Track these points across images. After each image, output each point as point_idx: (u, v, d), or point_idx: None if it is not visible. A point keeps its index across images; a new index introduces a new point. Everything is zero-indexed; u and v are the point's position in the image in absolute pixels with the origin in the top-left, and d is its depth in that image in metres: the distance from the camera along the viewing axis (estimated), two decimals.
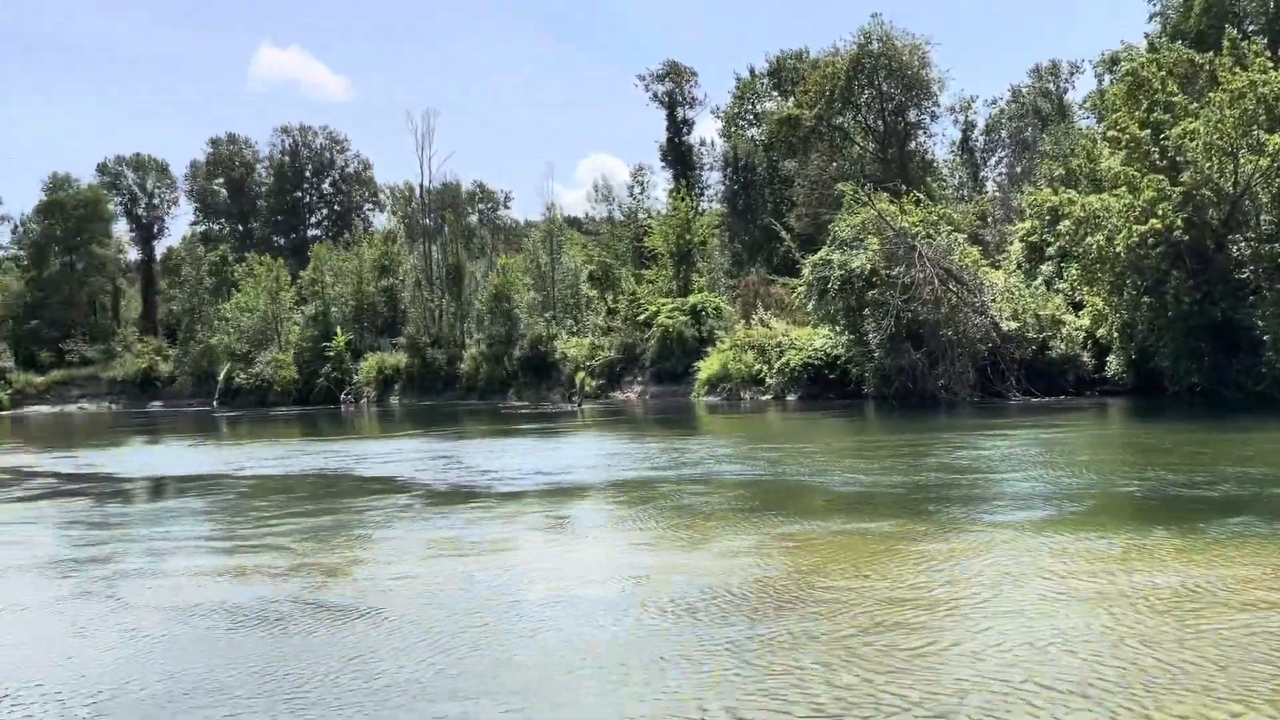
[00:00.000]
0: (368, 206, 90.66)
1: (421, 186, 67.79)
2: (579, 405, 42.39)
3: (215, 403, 61.47)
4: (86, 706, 5.85)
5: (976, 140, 59.02)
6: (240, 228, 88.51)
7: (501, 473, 17.70)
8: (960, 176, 58.92)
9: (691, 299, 47.60)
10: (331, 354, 58.73)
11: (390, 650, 6.70)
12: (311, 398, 57.63)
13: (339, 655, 6.64)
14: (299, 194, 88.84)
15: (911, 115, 53.95)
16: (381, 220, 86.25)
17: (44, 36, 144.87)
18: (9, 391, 67.87)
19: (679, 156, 67.40)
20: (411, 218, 72.90)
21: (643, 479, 16.00)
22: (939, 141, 73.34)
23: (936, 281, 31.55)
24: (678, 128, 67.82)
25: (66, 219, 76.56)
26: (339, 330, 59.88)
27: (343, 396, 57.07)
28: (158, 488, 18.93)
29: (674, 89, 67.24)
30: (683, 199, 53.52)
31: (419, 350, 56.88)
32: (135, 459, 25.50)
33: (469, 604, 7.90)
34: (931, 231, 33.02)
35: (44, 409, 66.74)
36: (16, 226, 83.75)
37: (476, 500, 14.10)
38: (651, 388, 46.48)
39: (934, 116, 54.75)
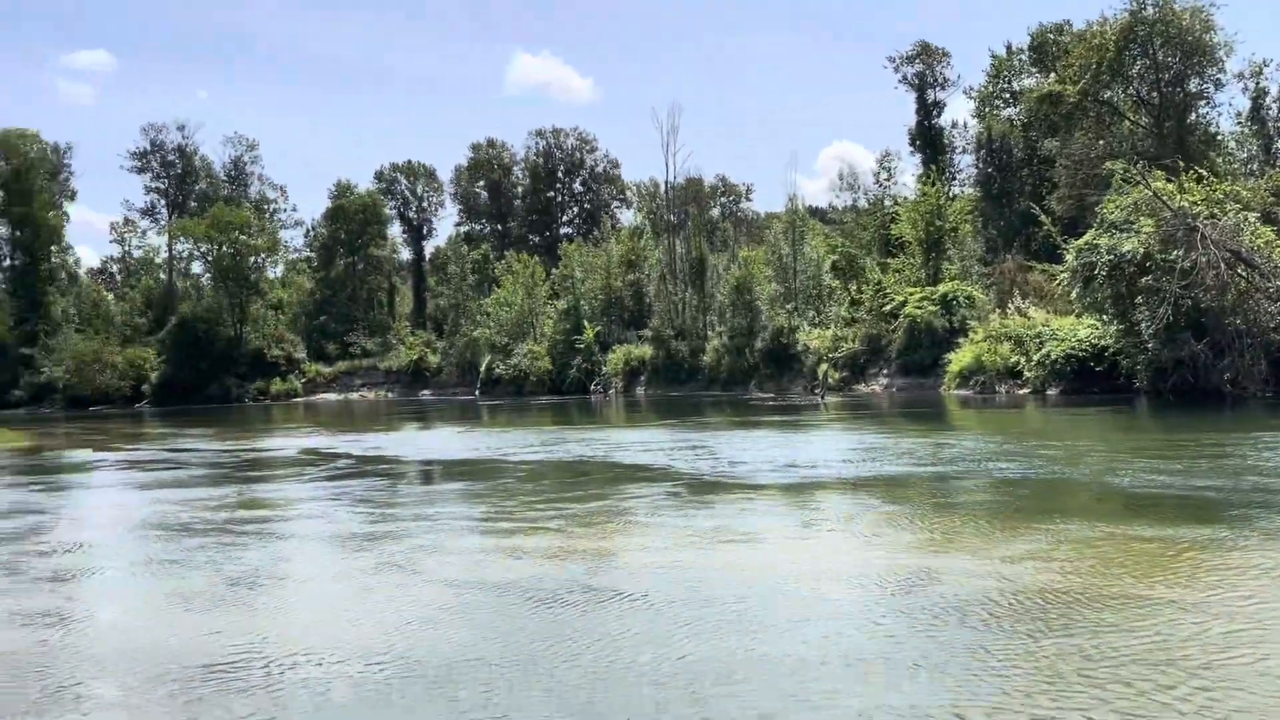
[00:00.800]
0: (615, 204, 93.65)
1: (666, 183, 69.26)
2: (823, 397, 41.92)
3: (477, 392, 65.61)
4: (380, 671, 6.45)
5: (1269, 109, 53.12)
6: (499, 227, 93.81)
7: (755, 464, 17.83)
8: (1250, 149, 53.25)
9: (942, 288, 45.88)
10: (582, 346, 61.21)
11: (651, 635, 6.94)
12: (564, 388, 60.31)
13: (604, 635, 6.96)
14: (551, 194, 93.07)
15: (1192, 85, 49.21)
16: (628, 217, 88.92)
17: (325, 60, 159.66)
18: (303, 380, 75.39)
19: (928, 140, 65.14)
20: (656, 213, 74.65)
21: (903, 475, 15.63)
22: (1224, 112, 66.62)
23: (1222, 265, 28.71)
24: (928, 110, 65.56)
25: (349, 223, 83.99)
26: (588, 323, 62.28)
27: (593, 387, 59.35)
28: (435, 470, 20.48)
29: (924, 70, 65.06)
30: (933, 184, 51.67)
31: (663, 342, 58.19)
32: (414, 443, 27.69)
33: (727, 594, 8.03)
34: (1216, 211, 30.09)
35: (331, 396, 73.68)
36: (309, 230, 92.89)
37: (733, 491, 14.29)
38: (897, 380, 45.24)
39: (1219, 85, 49.73)
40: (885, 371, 46.57)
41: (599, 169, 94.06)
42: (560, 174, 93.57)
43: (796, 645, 6.58)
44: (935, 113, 65.57)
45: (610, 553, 10.16)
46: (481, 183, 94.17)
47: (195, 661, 6.67)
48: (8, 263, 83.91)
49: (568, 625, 7.33)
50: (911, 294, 46.11)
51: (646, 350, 59.08)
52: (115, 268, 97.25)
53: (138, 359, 74.97)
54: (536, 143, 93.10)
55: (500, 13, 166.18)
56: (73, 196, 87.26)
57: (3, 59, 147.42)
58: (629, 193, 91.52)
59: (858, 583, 8.36)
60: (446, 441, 27.80)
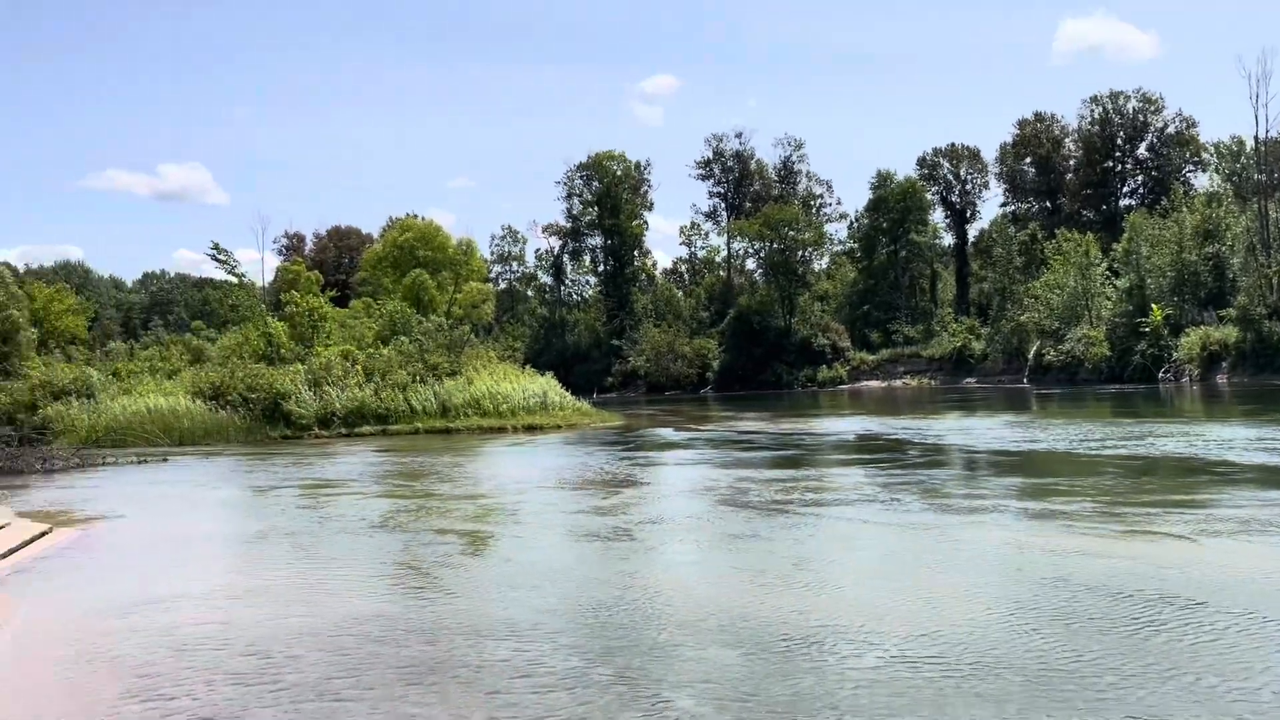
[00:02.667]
0: (1188, 169, 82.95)
1: (1257, 139, 59.71)
2: None
3: (1025, 379, 62.48)
4: (946, 660, 6.52)
5: None
6: (1048, 205, 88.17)
7: None
8: None
9: None
10: (1147, 329, 55.31)
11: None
12: (1125, 375, 55.03)
13: (1207, 652, 6.35)
14: (1109, 164, 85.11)
15: None
16: (1203, 181, 78.24)
17: (862, 54, 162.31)
18: (847, 368, 77.88)
19: None
20: (1241, 175, 64.71)
21: None
22: None
23: None
24: None
25: (890, 211, 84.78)
26: (1155, 304, 56.10)
27: (1161, 374, 53.37)
28: (994, 460, 19.98)
29: None
30: None
31: (1252, 323, 50.33)
32: (966, 431, 27.24)
33: None
34: None
35: (874, 383, 75.14)
36: (852, 222, 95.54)
37: None
38: None
39: None
40: None
41: (1168, 131, 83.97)
42: (1119, 141, 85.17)
43: None
44: None
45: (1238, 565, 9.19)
46: (1029, 159, 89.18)
47: (774, 634, 7.35)
48: (601, 268, 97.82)
49: (1173, 638, 6.82)
50: None
51: (1230, 332, 51.60)
52: (684, 267, 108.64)
53: (703, 349, 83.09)
54: (1091, 110, 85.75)
55: None
56: (651, 207, 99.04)
57: (589, 91, 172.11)
58: (1205, 154, 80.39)
59: None
60: (999, 430, 26.94)
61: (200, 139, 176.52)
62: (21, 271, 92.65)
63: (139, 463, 25.50)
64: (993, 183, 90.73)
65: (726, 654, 6.74)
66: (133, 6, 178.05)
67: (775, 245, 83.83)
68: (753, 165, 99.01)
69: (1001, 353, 68.70)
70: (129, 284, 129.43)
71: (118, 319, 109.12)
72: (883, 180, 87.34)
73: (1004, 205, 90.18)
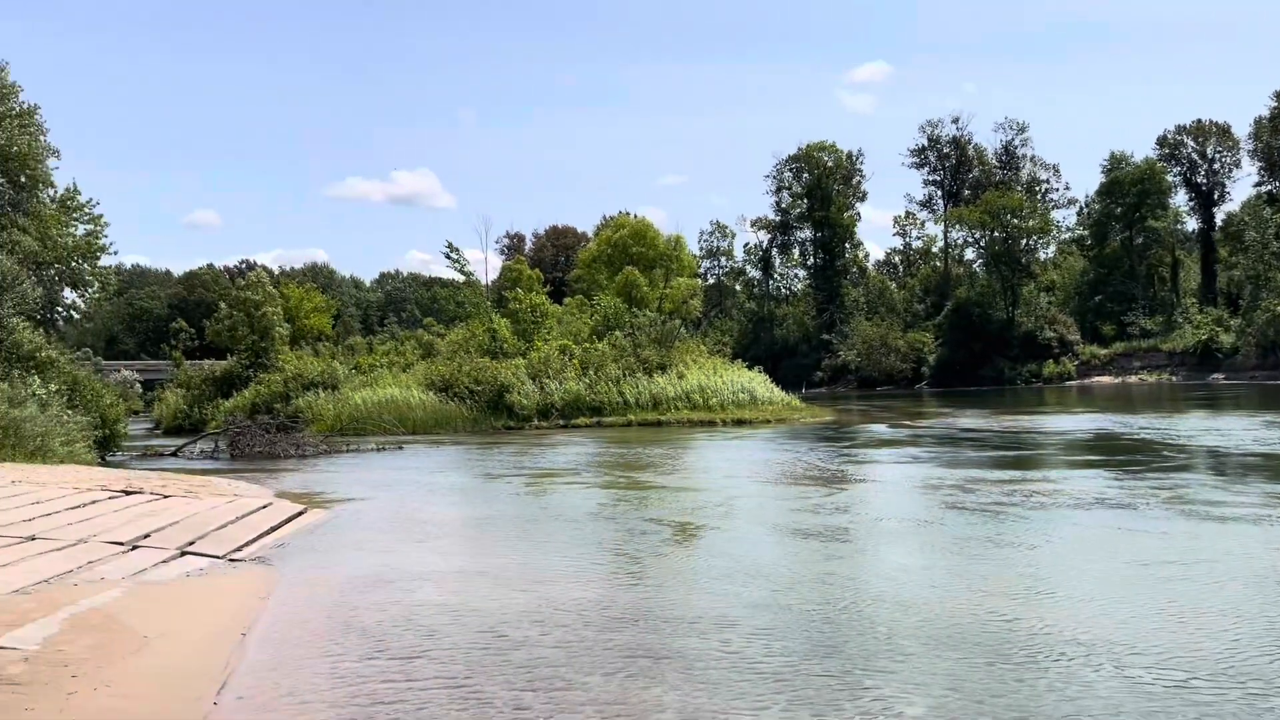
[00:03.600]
0: None
1: None
2: None
3: None
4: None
5: None
6: None
7: None
8: None
9: None
10: None
11: None
12: None
13: None
14: None
15: None
16: None
17: (1094, 27, 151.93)
18: (1076, 363, 73.32)
19: None
20: None
21: None
22: None
23: None
24: None
25: (1125, 196, 79.11)
26: None
27: None
28: (1254, 464, 18.34)
29: None
30: None
31: None
32: (1227, 434, 25.08)
33: None
34: None
35: (1105, 379, 70.37)
36: (1082, 208, 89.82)
37: None
38: None
39: None
40: None
41: None
42: None
43: None
44: None
45: None
46: None
47: (1006, 643, 7.04)
48: (811, 261, 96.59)
49: None
50: None
51: None
52: (897, 259, 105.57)
53: (917, 342, 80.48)
54: None
55: None
56: (863, 198, 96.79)
57: (797, 82, 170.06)
58: None
59: None
60: (1259, 431, 24.60)
61: (428, 146, 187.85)
62: (276, 273, 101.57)
63: (378, 450, 27.43)
64: (1245, 161, 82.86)
65: (952, 661, 6.52)
66: (362, 26, 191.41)
67: (997, 234, 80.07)
68: (971, 151, 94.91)
69: (1255, 346, 62.77)
70: (367, 283, 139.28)
71: (357, 316, 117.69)
72: (1116, 162, 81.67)
73: (1258, 185, 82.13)
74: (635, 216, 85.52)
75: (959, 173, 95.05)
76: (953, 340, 77.69)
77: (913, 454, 22.57)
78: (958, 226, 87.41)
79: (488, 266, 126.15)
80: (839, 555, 10.38)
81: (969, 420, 33.65)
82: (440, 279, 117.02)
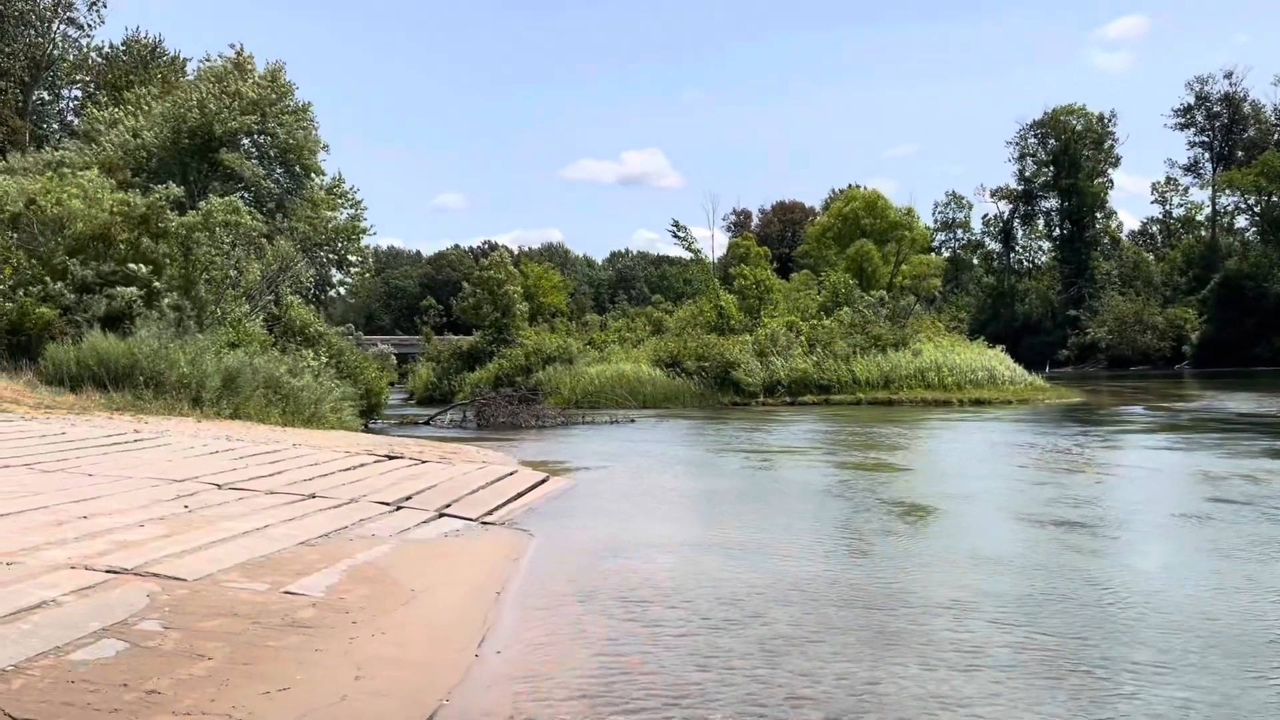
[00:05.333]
0: None
1: None
2: None
3: None
4: None
5: None
6: None
7: None
8: None
9: None
10: None
11: None
12: None
13: None
14: None
15: None
16: None
17: None
18: None
19: None
20: None
21: None
22: None
23: None
24: None
25: None
26: None
27: None
28: None
29: None
30: None
31: None
32: None
33: None
34: None
35: None
36: None
37: None
38: None
39: None
40: None
41: None
42: None
43: None
44: None
45: None
46: None
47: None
48: (1057, 232, 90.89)
49: None
50: None
51: None
52: (1155, 228, 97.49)
53: (1178, 318, 74.15)
54: None
55: None
56: (1116, 163, 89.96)
57: (1042, 41, 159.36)
58: None
59: None
60: None
61: (656, 125, 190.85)
62: (516, 253, 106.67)
63: (611, 423, 28.37)
64: None
65: (1202, 665, 6.03)
66: (593, 6, 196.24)
67: (1275, 198, 72.20)
68: (1246, 108, 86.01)
69: None
70: (599, 262, 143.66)
71: (590, 294, 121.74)
72: None
73: None
74: (865, 189, 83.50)
75: (1231, 133, 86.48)
76: (1220, 316, 70.93)
77: (1175, 440, 20.88)
78: (1228, 191, 79.63)
79: (714, 244, 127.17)
80: (1086, 548, 9.79)
81: (1241, 404, 30.68)
82: (668, 257, 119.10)
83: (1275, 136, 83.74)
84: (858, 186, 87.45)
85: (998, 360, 38.55)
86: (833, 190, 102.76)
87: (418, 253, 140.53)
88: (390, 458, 15.76)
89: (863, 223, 75.05)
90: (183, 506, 9.99)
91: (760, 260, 54.77)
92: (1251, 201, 76.02)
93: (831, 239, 77.05)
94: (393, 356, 74.23)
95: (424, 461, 15.62)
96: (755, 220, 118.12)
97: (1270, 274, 70.97)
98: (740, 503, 13.01)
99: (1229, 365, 65.35)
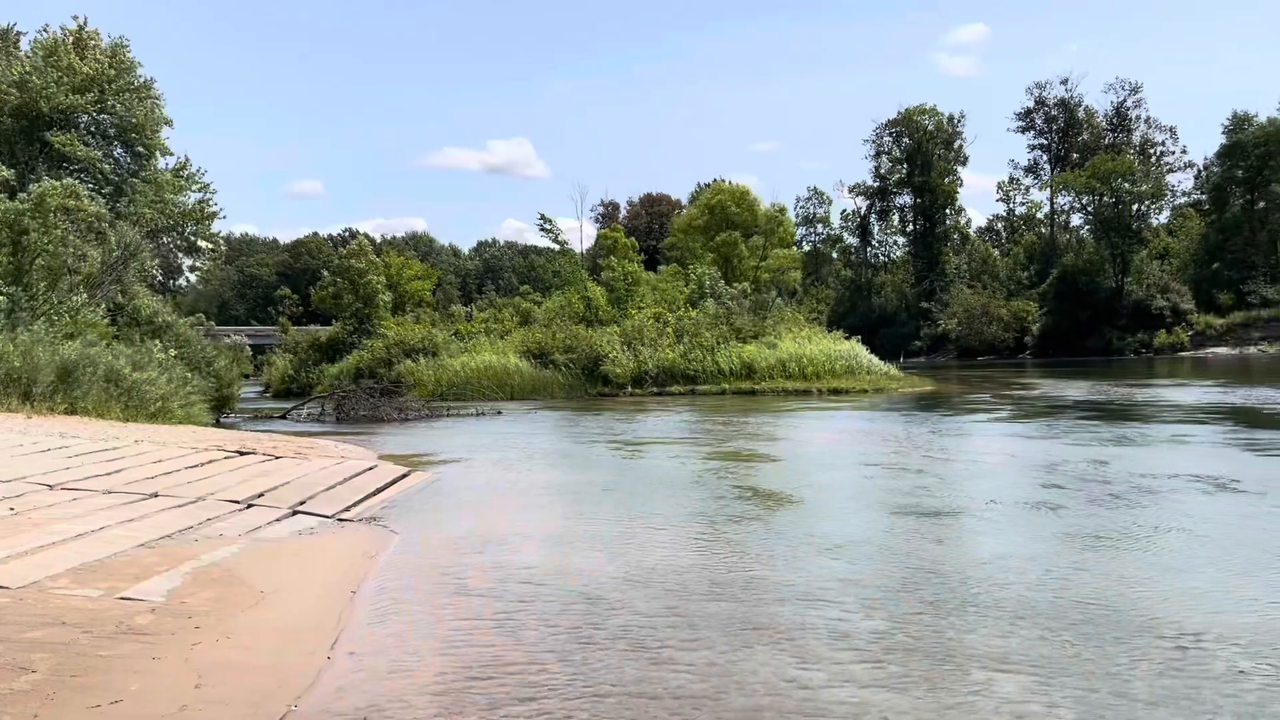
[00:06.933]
0: None
1: None
2: None
3: None
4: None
5: None
6: None
7: None
8: None
9: None
10: None
11: None
12: None
13: None
14: None
15: None
16: None
17: None
18: (1190, 333, 70.32)
19: None
20: None
21: None
22: None
23: None
24: None
25: (1247, 159, 75.18)
26: None
27: None
28: None
29: None
30: None
31: None
32: None
33: None
34: None
35: (1222, 350, 67.31)
36: (1199, 172, 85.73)
37: None
38: None
39: None
40: None
41: None
42: None
43: None
44: None
45: None
46: None
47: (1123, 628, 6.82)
48: (911, 227, 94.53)
49: None
50: None
51: None
52: (1000, 225, 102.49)
53: (1021, 311, 78.24)
54: None
55: None
56: (964, 162, 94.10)
57: (894, 45, 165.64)
58: None
59: None
60: None
61: (523, 114, 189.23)
62: (378, 241, 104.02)
63: (477, 415, 27.99)
64: None
65: (1046, 639, 6.35)
66: None
67: (1106, 199, 77.05)
68: (1080, 113, 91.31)
69: None
70: (465, 252, 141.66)
71: (456, 284, 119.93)
72: (1239, 123, 77.60)
73: None
74: (731, 183, 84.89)
75: (1067, 136, 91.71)
76: (1058, 309, 75.28)
77: (1016, 426, 22.00)
78: (1064, 192, 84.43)
79: (582, 234, 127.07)
80: (939, 535, 10.20)
81: (1077, 392, 32.61)
82: (536, 247, 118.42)
83: (1106, 140, 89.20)
84: (724, 181, 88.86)
85: (855, 351, 39.82)
86: (699, 184, 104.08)
87: (274, 240, 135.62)
88: (241, 453, 15.12)
89: (730, 212, 76.32)
90: (8, 509, 9.32)
91: (628, 252, 55.01)
92: (1085, 201, 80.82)
93: (698, 231, 78.10)
94: (247, 348, 71.20)
95: (278, 457, 15.05)
96: (623, 212, 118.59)
97: (1102, 270, 75.68)
98: (606, 494, 13.01)
99: (1066, 355, 69.42)
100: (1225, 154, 77.64)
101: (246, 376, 56.29)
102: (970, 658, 5.96)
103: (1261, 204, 75.55)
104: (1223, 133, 78.54)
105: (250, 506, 10.81)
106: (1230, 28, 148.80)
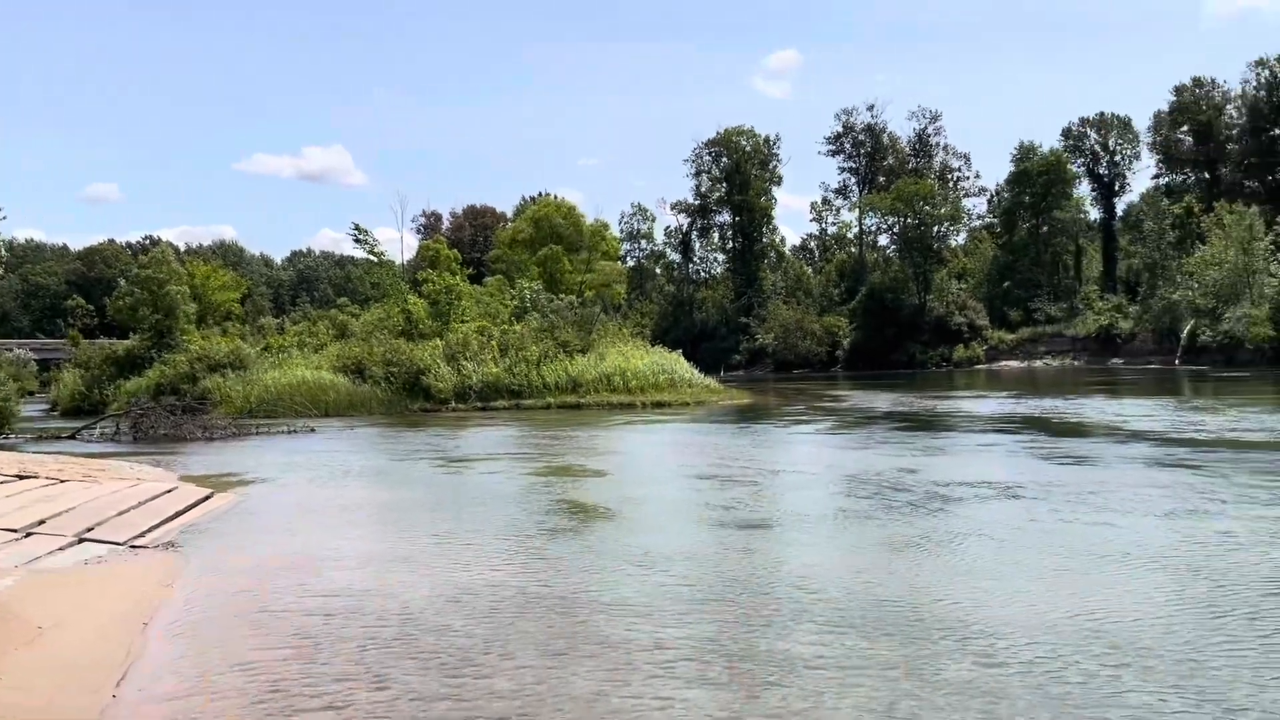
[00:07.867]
0: None
1: None
2: None
3: (1177, 360, 59.30)
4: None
5: None
6: (1206, 176, 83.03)
7: None
8: None
9: None
10: None
11: None
12: None
13: None
14: (1277, 131, 79.48)
15: None
16: None
17: (1000, 23, 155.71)
18: (985, 347, 75.40)
19: None
20: None
21: None
22: None
23: None
24: None
25: (1032, 185, 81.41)
26: None
27: None
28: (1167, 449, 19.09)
29: None
30: None
31: None
32: (1126, 411, 26.04)
33: None
34: None
35: (1013, 363, 72.52)
36: (991, 197, 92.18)
37: None
38: None
39: None
40: None
41: None
42: None
43: None
44: None
45: None
46: (1185, 128, 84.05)
47: (917, 623, 7.19)
48: (729, 245, 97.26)
49: None
50: None
51: None
52: (814, 244, 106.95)
53: (833, 327, 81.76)
54: (1258, 74, 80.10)
55: None
56: (779, 182, 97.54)
57: (714, 68, 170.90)
58: None
59: None
60: (1160, 412, 25.63)
61: (340, 121, 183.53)
62: (182, 250, 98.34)
63: (289, 433, 26.81)
64: (1144, 154, 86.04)
65: (863, 643, 6.63)
66: None
67: (909, 220, 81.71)
68: (885, 139, 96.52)
69: (1152, 332, 65.36)
70: (278, 262, 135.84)
71: (268, 295, 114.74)
72: (1025, 153, 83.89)
73: (1156, 177, 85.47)
74: (556, 197, 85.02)
75: (874, 160, 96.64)
76: (866, 325, 79.11)
77: (829, 437, 22.94)
78: (871, 213, 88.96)
79: (403, 245, 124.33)
80: (754, 546, 10.48)
81: (883, 403, 34.35)
82: (353, 258, 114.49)
83: (910, 165, 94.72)
84: (549, 194, 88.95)
85: (677, 365, 40.55)
86: (524, 197, 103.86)
87: (64, 247, 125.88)
88: (21, 477, 13.92)
89: (555, 224, 76.35)
90: None
91: (451, 264, 54.13)
92: (890, 223, 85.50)
93: (523, 245, 77.78)
94: (32, 362, 65.92)
95: (63, 481, 13.93)
96: (446, 223, 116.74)
97: (906, 288, 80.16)
98: (425, 513, 12.70)
99: (874, 368, 73.11)
100: (1014, 181, 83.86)
101: (30, 393, 51.96)
102: (784, 661, 6.13)
103: (1045, 228, 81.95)
104: (1011, 161, 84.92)
105: (30, 535, 9.95)
106: (1018, 65, 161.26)
